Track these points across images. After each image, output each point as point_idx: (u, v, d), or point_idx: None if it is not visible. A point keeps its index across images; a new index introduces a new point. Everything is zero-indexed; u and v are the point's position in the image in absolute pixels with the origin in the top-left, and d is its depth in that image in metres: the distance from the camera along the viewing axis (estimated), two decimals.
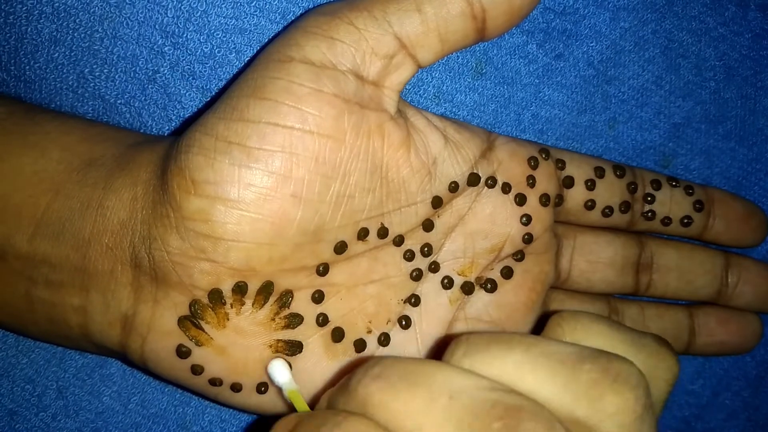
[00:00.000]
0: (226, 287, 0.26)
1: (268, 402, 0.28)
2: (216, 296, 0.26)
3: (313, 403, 0.28)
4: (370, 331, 0.29)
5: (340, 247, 0.28)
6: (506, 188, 0.30)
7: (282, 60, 0.26)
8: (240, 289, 0.27)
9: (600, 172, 0.32)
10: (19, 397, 0.33)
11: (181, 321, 0.27)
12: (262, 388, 0.28)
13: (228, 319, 0.27)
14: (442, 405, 0.19)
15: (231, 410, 0.34)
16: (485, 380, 0.20)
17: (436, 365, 0.21)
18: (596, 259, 0.34)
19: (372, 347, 0.29)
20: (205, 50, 0.32)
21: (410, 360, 0.21)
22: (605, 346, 0.21)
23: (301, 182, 0.26)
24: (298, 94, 0.26)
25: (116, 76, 0.32)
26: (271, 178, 0.25)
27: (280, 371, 0.27)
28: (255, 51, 0.32)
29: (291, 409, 0.27)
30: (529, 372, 0.20)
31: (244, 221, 0.25)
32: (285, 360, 0.27)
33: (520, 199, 0.31)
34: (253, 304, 0.27)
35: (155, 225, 0.26)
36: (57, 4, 0.31)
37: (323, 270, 0.28)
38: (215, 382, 0.28)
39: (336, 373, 0.28)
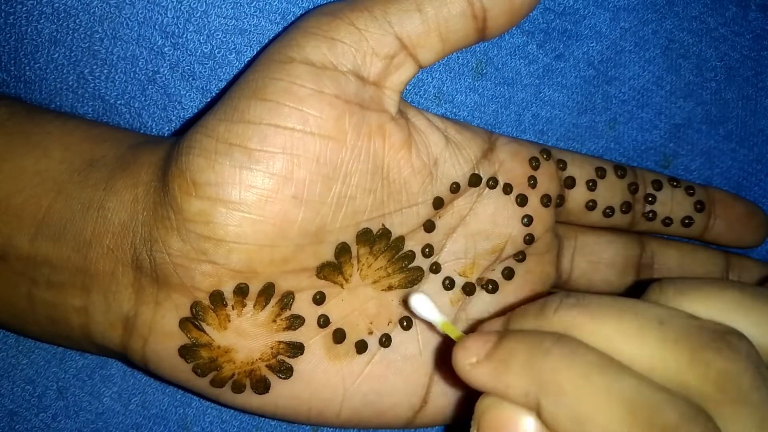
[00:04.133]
0: (228, 289, 0.26)
1: (270, 403, 0.28)
2: (217, 298, 0.26)
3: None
4: (371, 332, 0.29)
5: (341, 250, 0.28)
6: (507, 189, 0.30)
7: (283, 61, 0.26)
8: (241, 291, 0.27)
9: (601, 173, 0.32)
10: (19, 397, 0.33)
11: (183, 323, 0.27)
12: None
13: (229, 321, 0.27)
14: (654, 328, 0.20)
15: (232, 411, 0.34)
16: (687, 313, 0.21)
17: (634, 300, 0.22)
18: (597, 260, 0.34)
19: (373, 348, 0.29)
20: (205, 51, 0.31)
21: (601, 295, 0.22)
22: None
23: (303, 183, 0.26)
24: (299, 95, 0.26)
25: (116, 77, 0.32)
26: (273, 180, 0.25)
27: (424, 307, 0.26)
28: (255, 52, 0.32)
29: (446, 339, 0.26)
30: (750, 308, 0.22)
31: (245, 223, 0.25)
32: (422, 293, 0.26)
33: (522, 200, 0.31)
34: (254, 306, 0.27)
35: (156, 227, 0.26)
36: (57, 5, 0.31)
37: None
38: (217, 383, 0.28)
39: (338, 373, 0.29)
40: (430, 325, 0.27)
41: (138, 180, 0.27)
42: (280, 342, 0.28)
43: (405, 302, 0.27)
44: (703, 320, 0.21)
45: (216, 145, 0.26)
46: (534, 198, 0.31)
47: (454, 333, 0.25)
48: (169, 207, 0.26)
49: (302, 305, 0.28)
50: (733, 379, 0.20)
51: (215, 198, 0.25)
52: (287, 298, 0.27)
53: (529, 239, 0.31)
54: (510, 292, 0.31)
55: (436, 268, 0.30)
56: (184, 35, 0.31)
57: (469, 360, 0.22)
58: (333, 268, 0.28)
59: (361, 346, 0.29)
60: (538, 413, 0.21)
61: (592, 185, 0.32)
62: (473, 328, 0.30)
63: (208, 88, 0.32)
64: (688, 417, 0.19)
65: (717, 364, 0.20)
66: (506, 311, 0.25)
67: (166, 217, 0.26)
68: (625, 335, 0.21)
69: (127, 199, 0.27)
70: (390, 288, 0.29)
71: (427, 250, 0.30)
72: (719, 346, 0.20)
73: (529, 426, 0.21)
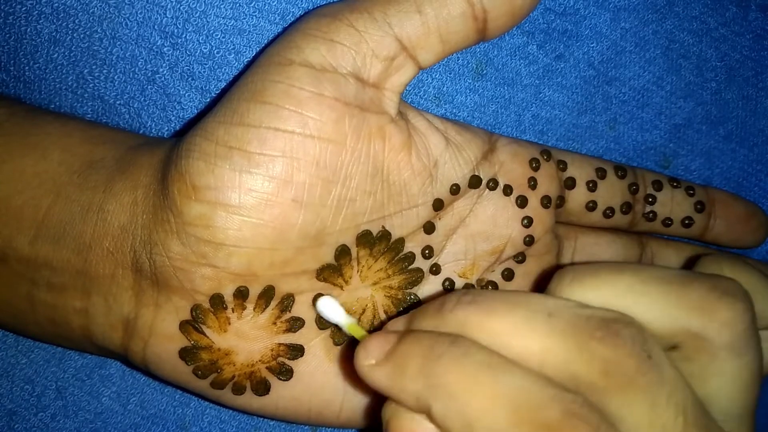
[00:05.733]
0: (228, 292, 0.26)
1: (270, 404, 0.28)
2: (217, 301, 0.26)
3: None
4: None
5: (341, 252, 0.28)
6: (507, 190, 0.30)
7: (282, 63, 0.26)
8: (241, 294, 0.27)
9: (601, 173, 0.32)
10: (18, 397, 0.33)
11: (183, 325, 0.27)
12: None
13: (229, 324, 0.27)
14: (542, 322, 0.21)
15: (231, 411, 0.34)
16: (577, 302, 0.22)
17: (527, 293, 0.22)
18: (597, 260, 0.33)
19: None
20: (204, 51, 0.31)
21: (499, 291, 0.22)
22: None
23: (302, 187, 0.26)
24: (299, 98, 0.26)
25: (115, 77, 0.32)
26: (272, 183, 0.25)
27: (331, 310, 0.26)
28: (254, 52, 0.32)
29: (352, 340, 0.26)
30: (642, 293, 0.22)
31: (245, 227, 0.25)
32: (328, 295, 0.27)
33: (522, 201, 0.30)
34: (254, 309, 0.27)
35: (156, 230, 0.26)
36: (56, 5, 0.31)
37: None
38: (217, 385, 0.28)
39: (338, 374, 0.29)
40: (338, 329, 0.27)
41: (137, 182, 0.27)
42: (280, 344, 0.28)
43: (314, 305, 0.27)
44: (593, 309, 0.21)
45: (215, 149, 0.25)
46: (534, 199, 0.31)
47: (359, 334, 0.25)
48: (169, 210, 0.26)
49: (302, 307, 0.28)
50: (617, 365, 0.20)
51: (215, 202, 0.25)
52: (287, 301, 0.27)
53: (529, 240, 0.31)
54: None
55: (436, 270, 0.30)
56: (184, 35, 0.31)
57: (369, 361, 0.22)
58: (333, 270, 0.28)
59: None
60: (430, 417, 0.21)
61: (592, 186, 0.32)
62: None
63: (207, 88, 0.32)
64: (570, 413, 0.19)
65: (601, 352, 0.20)
66: None
67: (165, 220, 0.26)
68: (515, 329, 0.21)
69: (127, 202, 0.27)
70: (390, 289, 0.29)
71: (427, 251, 0.30)
72: (603, 334, 0.20)
73: None
